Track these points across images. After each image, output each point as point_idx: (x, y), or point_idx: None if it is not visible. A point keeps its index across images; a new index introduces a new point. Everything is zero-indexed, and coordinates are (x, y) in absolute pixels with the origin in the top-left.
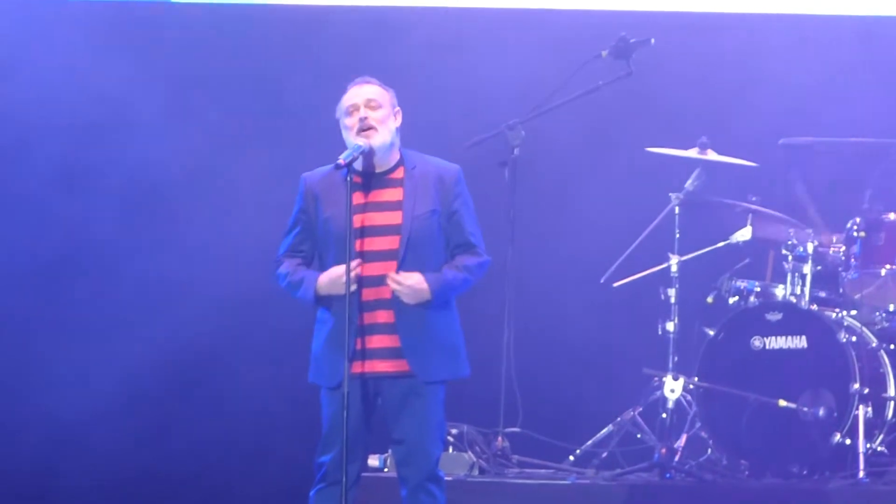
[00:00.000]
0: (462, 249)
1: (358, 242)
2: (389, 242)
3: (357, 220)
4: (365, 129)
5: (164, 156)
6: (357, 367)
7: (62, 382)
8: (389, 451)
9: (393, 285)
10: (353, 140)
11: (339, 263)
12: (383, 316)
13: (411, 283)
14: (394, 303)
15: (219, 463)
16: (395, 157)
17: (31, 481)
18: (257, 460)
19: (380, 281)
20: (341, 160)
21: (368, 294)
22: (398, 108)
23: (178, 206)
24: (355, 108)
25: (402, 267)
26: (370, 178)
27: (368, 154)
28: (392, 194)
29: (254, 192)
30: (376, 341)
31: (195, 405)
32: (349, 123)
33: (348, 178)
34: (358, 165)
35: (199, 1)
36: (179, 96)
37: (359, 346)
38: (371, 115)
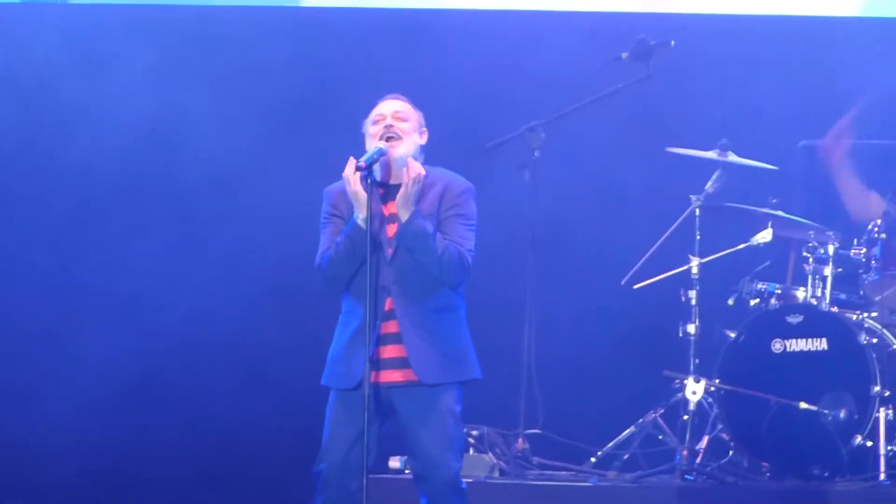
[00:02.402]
0: None
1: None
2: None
3: (377, 231)
4: (389, 136)
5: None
6: (371, 377)
7: (65, 374)
8: None
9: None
10: (374, 145)
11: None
12: (393, 326)
13: (414, 183)
14: (398, 313)
15: (216, 468)
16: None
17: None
18: (257, 466)
19: (384, 292)
20: (361, 162)
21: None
22: (425, 129)
23: (198, 209)
24: (382, 117)
25: (393, 270)
26: (387, 191)
27: (386, 165)
28: None
29: (273, 199)
30: (388, 351)
31: (204, 405)
32: (373, 131)
33: (369, 180)
34: (376, 175)
35: (236, 4)
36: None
37: (383, 357)
38: (397, 124)
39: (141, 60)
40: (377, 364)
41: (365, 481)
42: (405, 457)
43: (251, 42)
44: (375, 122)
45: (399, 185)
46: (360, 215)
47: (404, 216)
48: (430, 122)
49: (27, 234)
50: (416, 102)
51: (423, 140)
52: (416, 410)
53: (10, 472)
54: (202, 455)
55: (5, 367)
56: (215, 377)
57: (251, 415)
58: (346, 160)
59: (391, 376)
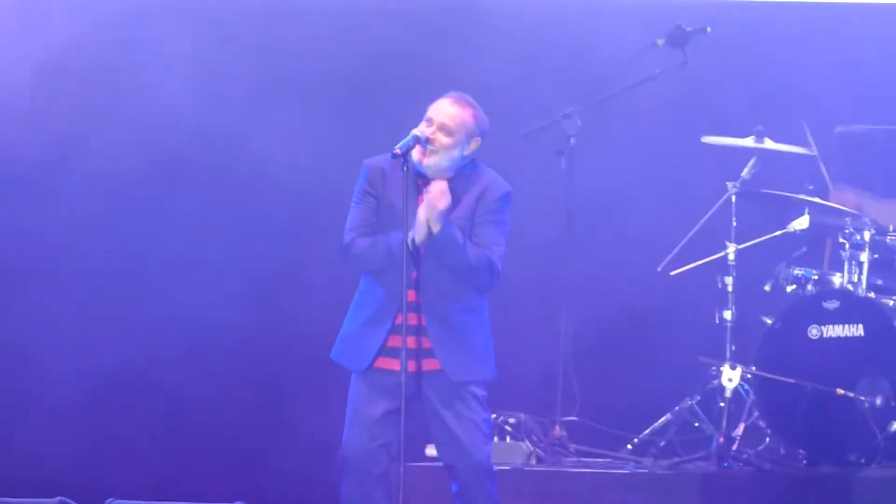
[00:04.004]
0: None
1: None
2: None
3: (409, 220)
4: (426, 145)
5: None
6: (393, 364)
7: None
8: None
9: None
10: (418, 128)
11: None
12: (413, 318)
13: (436, 199)
14: (423, 306)
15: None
16: (451, 173)
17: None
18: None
19: (411, 284)
20: (397, 150)
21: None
22: (476, 139)
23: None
24: (430, 122)
25: (420, 269)
26: (426, 181)
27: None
28: None
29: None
30: (411, 342)
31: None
32: (419, 128)
33: (405, 168)
34: (419, 167)
35: None
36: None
37: (396, 345)
38: (439, 137)
39: (168, 49)
40: (396, 352)
41: (402, 469)
42: None
43: (292, 29)
44: (425, 121)
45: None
46: (418, 238)
47: (435, 228)
48: None
49: (49, 226)
50: (454, 87)
51: (471, 149)
52: (442, 398)
53: (10, 472)
54: (216, 449)
55: (13, 366)
56: (224, 374)
57: (265, 411)
58: (372, 150)
59: (413, 365)
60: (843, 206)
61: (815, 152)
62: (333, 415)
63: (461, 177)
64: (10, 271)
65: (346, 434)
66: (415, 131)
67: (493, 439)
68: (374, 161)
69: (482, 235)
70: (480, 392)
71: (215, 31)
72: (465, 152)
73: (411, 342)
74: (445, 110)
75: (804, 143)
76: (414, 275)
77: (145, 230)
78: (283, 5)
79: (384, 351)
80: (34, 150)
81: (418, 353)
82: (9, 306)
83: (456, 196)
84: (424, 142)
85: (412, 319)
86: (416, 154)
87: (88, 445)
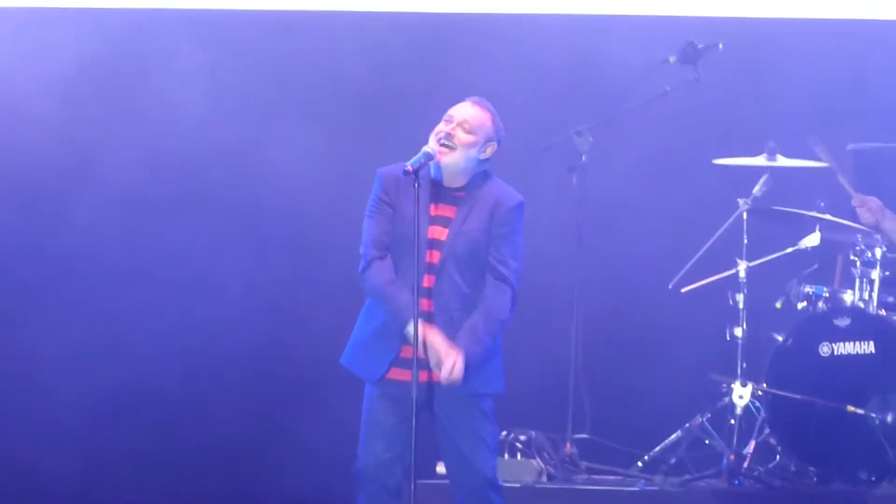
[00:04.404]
0: (491, 273)
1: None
2: (432, 256)
3: (419, 230)
4: (444, 143)
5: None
6: (406, 376)
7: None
8: None
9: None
10: (430, 142)
11: (400, 265)
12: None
13: (452, 374)
14: (435, 316)
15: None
16: (464, 179)
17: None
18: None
19: (423, 293)
20: (409, 166)
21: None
22: (493, 144)
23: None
24: (450, 119)
25: (438, 281)
26: (438, 190)
27: (439, 165)
28: (448, 210)
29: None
30: (423, 352)
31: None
32: (437, 128)
33: (416, 184)
34: (434, 173)
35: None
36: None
37: (410, 356)
38: (458, 134)
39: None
40: (409, 363)
41: (413, 487)
42: None
43: (306, 44)
44: (443, 121)
45: (449, 189)
46: (410, 331)
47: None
48: None
49: (64, 241)
50: None
51: (487, 154)
52: (449, 410)
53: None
54: (226, 465)
55: (26, 380)
56: (236, 390)
57: (276, 428)
58: (385, 164)
59: (425, 375)
60: (868, 211)
61: (830, 163)
62: (346, 430)
63: (473, 187)
64: (25, 286)
65: (360, 446)
66: (426, 148)
67: (498, 453)
68: (388, 169)
69: (499, 251)
70: (488, 406)
71: (229, 46)
72: (482, 156)
73: (423, 353)
74: (466, 110)
75: (815, 158)
76: (428, 284)
77: (158, 245)
78: (297, 20)
79: (398, 362)
80: (49, 165)
81: (428, 364)
82: (23, 320)
83: (468, 207)
84: (444, 138)
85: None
86: (430, 147)
87: (97, 461)
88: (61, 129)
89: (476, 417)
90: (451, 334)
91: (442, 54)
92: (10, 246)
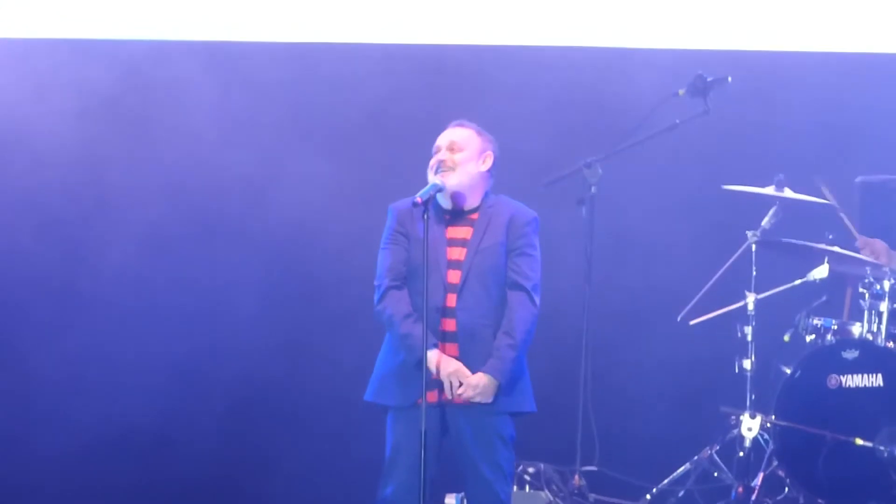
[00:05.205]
0: (512, 288)
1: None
2: (454, 276)
3: (435, 253)
4: (442, 169)
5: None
6: (430, 397)
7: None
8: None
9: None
10: (430, 178)
11: (413, 294)
12: (451, 349)
13: (478, 389)
14: (458, 336)
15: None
16: (477, 197)
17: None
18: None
19: (448, 313)
20: (418, 198)
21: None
22: (488, 153)
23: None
24: (438, 148)
25: (460, 299)
26: (453, 216)
27: (448, 193)
28: (465, 232)
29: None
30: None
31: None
32: (431, 162)
33: (425, 216)
34: (445, 203)
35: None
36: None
37: (433, 377)
38: (450, 156)
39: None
40: (436, 383)
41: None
42: (461, 494)
43: (324, 78)
44: (434, 153)
45: (462, 212)
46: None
47: (493, 389)
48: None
49: (81, 274)
50: None
51: (486, 164)
52: (470, 431)
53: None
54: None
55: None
56: (250, 425)
57: (288, 467)
58: (397, 197)
59: (437, 397)
60: (872, 253)
61: (834, 202)
62: (348, 461)
63: (486, 206)
64: (40, 321)
65: (385, 469)
66: (433, 180)
67: (513, 479)
68: (400, 203)
69: (517, 265)
70: (508, 430)
71: (243, 77)
72: (482, 168)
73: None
74: (449, 134)
75: (821, 197)
76: (451, 303)
77: (170, 276)
78: (310, 52)
79: (430, 384)
80: (63, 198)
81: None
82: (38, 352)
83: (483, 225)
84: (438, 167)
85: (452, 350)
86: (441, 196)
87: (93, 489)
88: (76, 163)
89: (494, 441)
90: (477, 350)
91: (453, 86)
92: (24, 278)
